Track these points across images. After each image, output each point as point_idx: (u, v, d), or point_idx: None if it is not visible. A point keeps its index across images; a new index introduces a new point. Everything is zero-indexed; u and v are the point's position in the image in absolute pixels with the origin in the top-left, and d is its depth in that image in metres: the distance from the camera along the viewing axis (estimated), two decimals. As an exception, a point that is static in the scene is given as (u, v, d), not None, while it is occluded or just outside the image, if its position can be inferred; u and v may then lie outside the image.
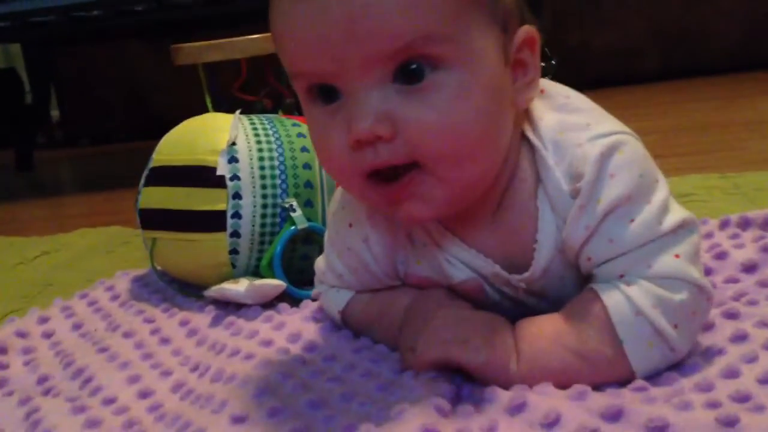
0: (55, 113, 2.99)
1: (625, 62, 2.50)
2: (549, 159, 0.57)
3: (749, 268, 0.73)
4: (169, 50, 1.23)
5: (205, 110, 1.12)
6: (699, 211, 0.96)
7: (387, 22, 0.48)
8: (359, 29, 0.48)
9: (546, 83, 0.62)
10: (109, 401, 0.62)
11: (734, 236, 0.80)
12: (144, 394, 0.63)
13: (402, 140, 0.51)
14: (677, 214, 0.56)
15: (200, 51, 1.17)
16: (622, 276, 0.55)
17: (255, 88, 1.19)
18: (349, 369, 0.63)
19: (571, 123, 0.58)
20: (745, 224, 0.82)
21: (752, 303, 0.65)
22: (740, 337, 0.59)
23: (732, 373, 0.54)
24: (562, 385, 0.54)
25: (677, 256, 0.55)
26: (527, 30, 0.55)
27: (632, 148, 0.56)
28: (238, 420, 0.54)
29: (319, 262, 0.71)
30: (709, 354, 0.57)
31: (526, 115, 0.60)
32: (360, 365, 0.64)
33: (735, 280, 0.72)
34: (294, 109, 1.10)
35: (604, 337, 0.54)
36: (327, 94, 0.53)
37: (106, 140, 2.95)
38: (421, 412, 0.51)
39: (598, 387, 0.55)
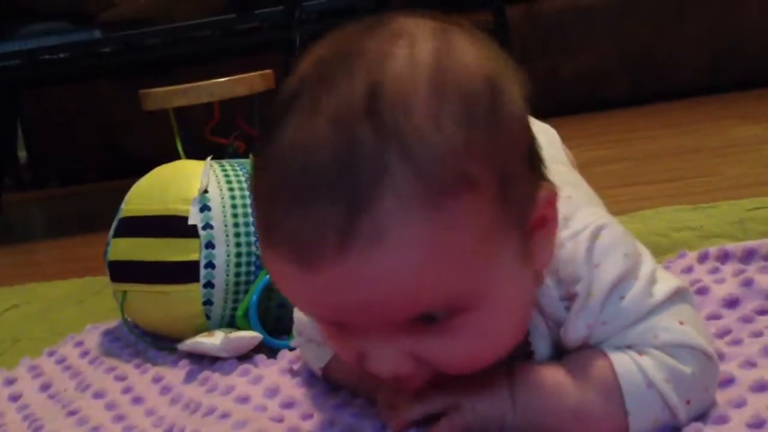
0: (22, 154, 2.95)
1: (594, 88, 2.52)
2: None
3: (730, 303, 0.72)
4: (138, 92, 1.21)
5: (177, 150, 1.10)
6: (676, 245, 0.96)
7: (400, 301, 0.44)
8: (369, 309, 0.45)
9: None
10: (79, 471, 0.60)
11: (714, 270, 0.80)
12: (115, 461, 0.61)
13: (425, 369, 0.49)
14: (667, 283, 0.55)
15: (168, 96, 1.16)
16: (629, 347, 0.54)
17: (227, 130, 1.17)
18: (328, 427, 0.61)
19: None
20: (724, 257, 0.81)
21: (736, 342, 0.65)
22: (727, 381, 0.58)
23: (721, 419, 0.53)
24: None
25: (681, 322, 0.53)
26: (544, 195, 0.50)
27: (610, 231, 0.54)
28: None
29: (299, 314, 0.69)
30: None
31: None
32: (339, 421, 0.62)
33: (717, 317, 0.71)
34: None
35: (609, 405, 0.52)
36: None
37: (76, 181, 2.91)
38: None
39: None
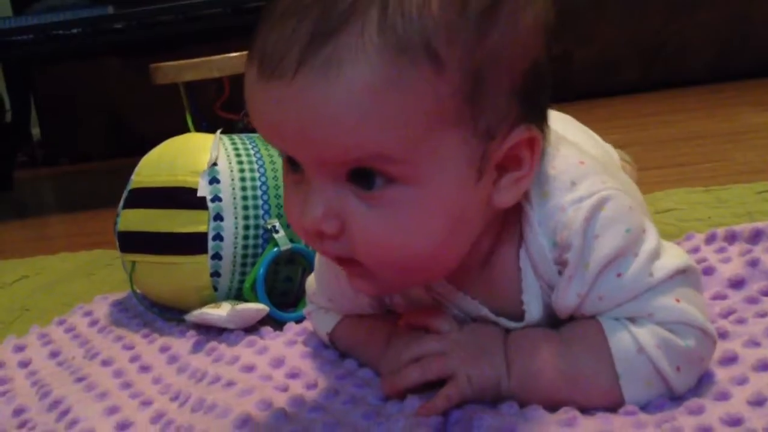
0: (35, 132, 2.96)
1: (605, 75, 2.51)
2: (534, 221, 0.55)
3: (736, 283, 0.72)
4: (148, 69, 1.21)
5: (186, 129, 1.10)
6: (684, 225, 0.96)
7: (335, 136, 0.46)
8: (309, 135, 0.46)
9: None
10: (86, 434, 0.60)
11: (720, 250, 0.80)
12: (122, 426, 0.61)
13: (347, 240, 0.50)
14: (671, 260, 0.54)
15: (179, 70, 1.16)
16: (628, 318, 0.54)
17: (238, 106, 1.17)
18: (332, 396, 0.62)
19: (554, 181, 0.55)
20: (731, 238, 0.81)
21: (740, 321, 0.65)
22: (730, 359, 0.58)
23: (722, 396, 0.54)
24: (553, 403, 0.54)
25: (677, 300, 0.53)
26: (526, 131, 0.50)
27: (616, 203, 0.54)
28: (219, 453, 0.53)
29: (311, 281, 0.70)
30: (700, 377, 0.56)
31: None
32: (344, 391, 0.62)
33: (722, 297, 0.71)
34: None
35: (601, 368, 0.53)
36: (292, 162, 0.51)
37: (86, 159, 2.92)
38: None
39: (586, 410, 0.54)
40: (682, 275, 0.55)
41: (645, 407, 0.54)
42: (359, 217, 0.49)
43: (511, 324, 0.59)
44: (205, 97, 1.25)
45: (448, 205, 0.49)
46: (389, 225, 0.48)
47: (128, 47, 2.08)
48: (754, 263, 0.74)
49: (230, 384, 0.65)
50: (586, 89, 2.43)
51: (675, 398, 0.54)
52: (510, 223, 0.56)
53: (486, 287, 0.59)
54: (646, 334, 0.53)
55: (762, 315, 0.65)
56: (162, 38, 1.86)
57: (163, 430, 0.60)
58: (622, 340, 0.53)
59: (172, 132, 0.92)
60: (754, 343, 0.60)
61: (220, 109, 1.16)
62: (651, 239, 0.55)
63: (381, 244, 0.49)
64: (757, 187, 1.15)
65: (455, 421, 0.54)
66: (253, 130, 1.00)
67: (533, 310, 0.57)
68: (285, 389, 0.64)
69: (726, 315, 0.67)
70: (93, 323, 0.87)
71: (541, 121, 0.53)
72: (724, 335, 0.62)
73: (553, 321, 0.58)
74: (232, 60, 1.16)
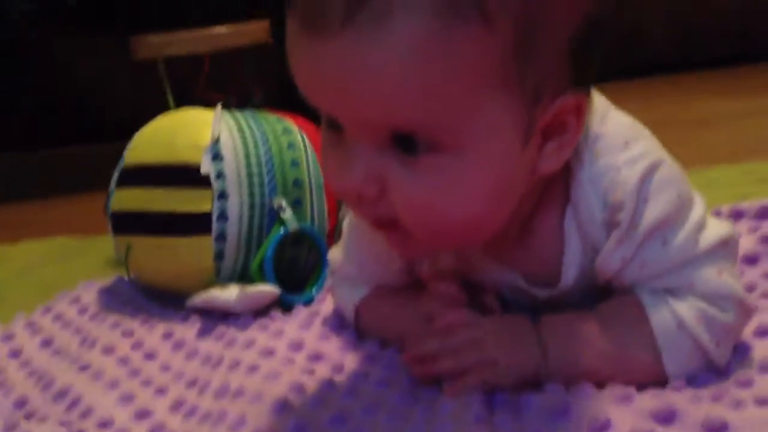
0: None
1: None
2: (584, 181, 0.53)
3: (751, 259, 0.72)
4: (128, 42, 1.15)
5: (153, 110, 1.04)
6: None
7: (379, 96, 0.43)
8: (352, 94, 0.44)
9: None
10: (105, 424, 0.56)
11: (729, 228, 0.80)
12: (142, 414, 0.58)
13: (386, 203, 0.48)
14: (715, 230, 0.54)
15: (163, 43, 1.10)
16: (665, 291, 0.53)
17: (217, 86, 1.12)
18: (363, 378, 0.59)
19: (607, 141, 0.53)
20: (738, 215, 0.82)
21: (766, 296, 0.65)
22: (765, 332, 0.58)
23: (767, 368, 0.53)
24: (594, 381, 0.52)
25: (720, 273, 0.53)
26: (574, 97, 0.48)
27: (668, 168, 0.53)
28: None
29: (335, 253, 0.68)
30: (738, 349, 0.56)
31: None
32: (374, 373, 0.60)
33: (740, 273, 0.71)
34: (261, 106, 1.05)
35: (642, 344, 0.52)
36: (332, 122, 0.48)
37: (40, 145, 2.79)
38: (460, 427, 0.48)
39: (637, 388, 0.53)
40: (724, 247, 0.54)
41: (691, 381, 0.53)
42: (401, 181, 0.47)
43: (543, 292, 0.57)
44: (183, 76, 1.20)
45: (493, 173, 0.47)
46: (431, 191, 0.46)
47: (85, 22, 1.98)
48: (765, 239, 0.74)
49: (253, 368, 0.62)
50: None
51: (719, 372, 0.54)
52: (553, 184, 0.55)
53: (522, 254, 0.57)
54: (686, 309, 0.52)
55: (785, 289, 0.66)
56: (119, 12, 1.78)
57: (188, 417, 0.56)
58: (662, 315, 0.52)
59: (133, 114, 0.87)
60: (787, 316, 0.60)
61: (202, 88, 1.11)
62: (699, 208, 0.54)
63: (422, 210, 0.47)
64: (741, 168, 1.17)
65: (502, 403, 0.53)
66: (239, 108, 0.97)
67: (570, 274, 0.56)
68: (311, 372, 0.61)
69: (749, 290, 0.66)
70: (82, 310, 0.82)
71: (589, 85, 0.51)
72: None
73: (585, 289, 0.57)
74: (223, 34, 1.11)
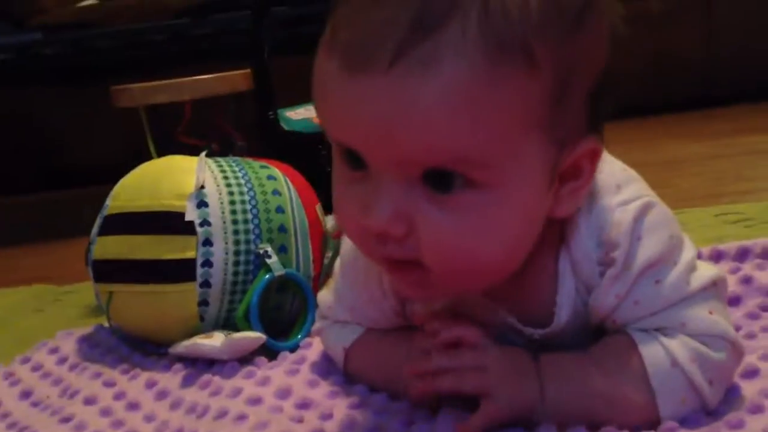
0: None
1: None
2: (580, 223, 0.55)
3: (734, 300, 0.73)
4: (110, 92, 1.15)
5: (141, 157, 1.03)
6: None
7: (424, 134, 0.44)
8: (395, 132, 0.44)
9: None
10: (91, 477, 0.55)
11: (709, 270, 0.81)
12: (128, 467, 0.56)
13: (413, 241, 0.47)
14: (706, 272, 0.55)
15: (146, 92, 1.11)
16: (656, 330, 0.54)
17: (198, 133, 1.13)
18: (353, 426, 0.58)
19: (601, 184, 0.55)
20: (718, 257, 0.83)
21: (750, 336, 0.66)
22: (752, 373, 0.58)
23: (757, 409, 0.54)
24: (587, 423, 0.53)
25: (711, 312, 0.54)
26: (591, 143, 0.50)
27: (659, 210, 0.55)
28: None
29: (325, 296, 0.67)
30: (727, 391, 0.56)
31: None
32: (364, 419, 0.59)
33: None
34: (245, 153, 1.05)
35: (637, 385, 0.53)
36: (355, 160, 0.48)
37: (10, 192, 2.76)
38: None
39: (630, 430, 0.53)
40: (715, 288, 0.55)
41: (683, 422, 0.53)
42: (431, 220, 0.47)
43: (537, 331, 0.58)
44: (164, 123, 1.20)
45: (524, 212, 0.49)
46: (463, 229, 0.47)
47: (60, 75, 1.99)
48: (746, 280, 0.75)
49: (241, 418, 0.61)
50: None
51: (709, 413, 0.54)
52: (549, 226, 0.55)
53: (515, 293, 0.57)
54: (678, 347, 0.53)
55: (767, 329, 0.67)
56: (98, 65, 1.79)
57: (176, 469, 0.55)
58: (656, 354, 0.53)
59: (111, 163, 0.86)
60: (771, 357, 0.60)
61: (183, 135, 1.11)
62: (689, 250, 0.56)
63: (452, 249, 0.47)
64: (713, 210, 1.19)
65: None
66: (222, 155, 0.97)
67: (563, 314, 0.56)
68: (300, 420, 0.60)
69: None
70: (62, 360, 0.81)
71: (601, 133, 0.53)
72: (739, 349, 0.62)
73: (578, 329, 0.58)
74: (205, 82, 1.11)
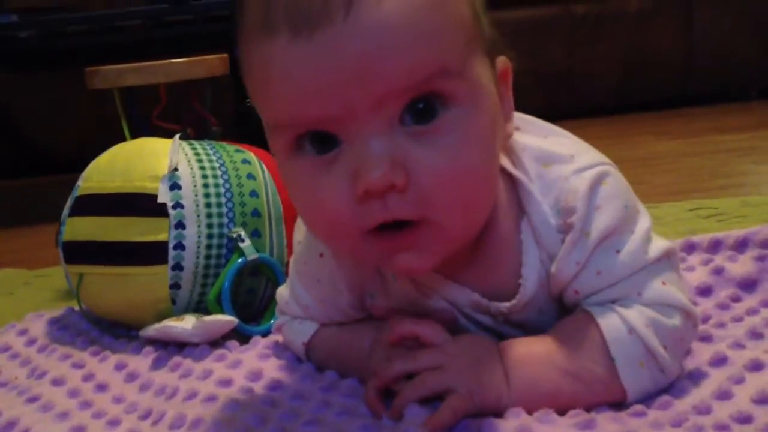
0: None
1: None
2: (535, 192, 0.56)
3: (704, 291, 0.74)
4: (83, 74, 1.13)
5: (105, 142, 1.01)
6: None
7: (406, 55, 0.44)
8: (373, 67, 0.44)
9: (520, 118, 0.60)
10: (56, 457, 0.54)
11: (681, 260, 0.82)
12: (95, 447, 0.56)
13: (414, 190, 0.47)
14: (660, 243, 0.56)
15: (120, 74, 1.09)
16: (613, 302, 0.55)
17: (174, 118, 1.11)
18: (324, 408, 0.58)
19: (554, 155, 0.57)
20: (690, 248, 0.84)
21: (721, 325, 0.66)
22: (720, 360, 0.59)
23: (725, 395, 0.54)
24: (555, 408, 0.53)
25: (664, 283, 0.55)
26: (503, 61, 0.53)
27: (615, 179, 0.56)
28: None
29: (283, 292, 0.67)
30: (695, 377, 0.57)
31: (504, 149, 0.57)
32: (334, 403, 0.59)
33: (694, 304, 0.72)
34: (220, 138, 1.04)
35: (596, 356, 0.54)
36: (322, 142, 0.47)
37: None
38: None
39: (595, 412, 0.53)
40: (669, 259, 0.56)
41: (651, 406, 0.53)
42: (424, 156, 0.46)
43: (503, 305, 0.58)
44: (139, 107, 1.18)
45: (491, 118, 0.50)
46: (453, 152, 0.47)
47: (35, 59, 1.96)
48: (717, 271, 0.76)
49: (210, 399, 0.60)
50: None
51: (677, 396, 0.55)
52: (502, 202, 0.56)
53: (477, 269, 0.58)
54: (634, 315, 0.54)
55: (737, 320, 0.67)
56: (71, 49, 1.76)
57: (143, 449, 0.55)
58: (613, 324, 0.54)
59: (83, 148, 0.85)
60: (739, 345, 0.61)
61: (158, 119, 1.10)
62: (645, 219, 0.57)
63: (450, 175, 0.47)
64: (686, 205, 1.20)
65: (464, 426, 0.52)
66: (197, 139, 0.96)
67: (529, 285, 0.57)
68: (271, 403, 0.60)
69: (704, 321, 0.68)
70: (30, 342, 0.80)
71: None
72: (708, 338, 0.63)
73: (543, 302, 0.58)
74: (179, 66, 1.10)
